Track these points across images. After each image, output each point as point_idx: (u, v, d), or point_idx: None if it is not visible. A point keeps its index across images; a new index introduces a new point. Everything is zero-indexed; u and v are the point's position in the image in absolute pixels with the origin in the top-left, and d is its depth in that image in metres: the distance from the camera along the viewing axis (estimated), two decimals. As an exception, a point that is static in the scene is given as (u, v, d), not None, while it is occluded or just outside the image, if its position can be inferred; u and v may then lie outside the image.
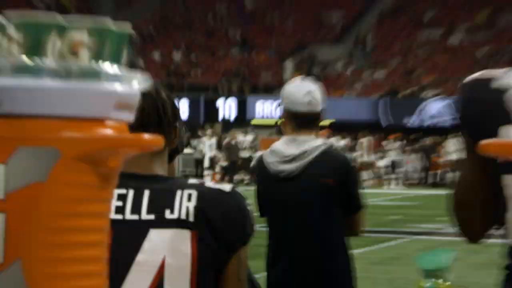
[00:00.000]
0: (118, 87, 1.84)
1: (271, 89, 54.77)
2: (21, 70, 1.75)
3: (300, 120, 5.75)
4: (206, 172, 44.39)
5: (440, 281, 2.16)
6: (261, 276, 12.67)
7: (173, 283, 2.82)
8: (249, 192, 6.60)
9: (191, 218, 2.85)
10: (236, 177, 44.11)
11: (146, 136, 1.84)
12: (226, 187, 2.97)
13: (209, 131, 46.41)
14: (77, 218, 1.80)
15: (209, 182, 2.96)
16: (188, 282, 2.82)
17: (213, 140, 44.87)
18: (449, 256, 2.18)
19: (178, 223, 2.84)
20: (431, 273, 2.16)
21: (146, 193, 2.90)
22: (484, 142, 1.74)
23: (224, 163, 43.82)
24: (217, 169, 44.83)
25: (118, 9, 51.68)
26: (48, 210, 1.75)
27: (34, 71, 1.75)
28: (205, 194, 2.89)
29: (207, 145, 44.86)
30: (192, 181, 2.97)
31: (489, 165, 3.29)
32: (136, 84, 1.90)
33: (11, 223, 1.73)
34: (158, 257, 2.82)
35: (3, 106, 1.72)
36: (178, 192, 2.89)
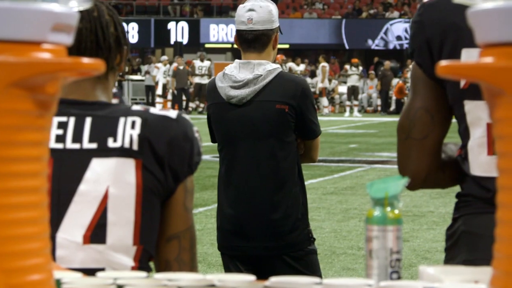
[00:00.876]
0: (55, 7, 1.81)
1: (226, 11, 54.56)
2: None
3: (243, 40, 5.68)
4: (158, 100, 44.22)
5: (388, 209, 2.16)
6: (213, 207, 12.75)
7: (117, 213, 2.81)
8: (203, 120, 6.57)
9: (135, 147, 2.83)
10: (191, 104, 44.05)
11: (86, 60, 1.82)
12: (172, 113, 2.93)
13: (164, 57, 46.15)
14: (14, 147, 1.79)
15: (154, 109, 2.92)
16: (133, 212, 2.82)
17: (168, 66, 44.57)
18: (399, 183, 2.18)
19: (122, 152, 2.83)
20: (379, 202, 2.16)
21: (88, 120, 2.86)
22: (443, 63, 1.72)
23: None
24: (169, 96, 44.65)
25: None
26: (-18, 139, 1.74)
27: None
28: (149, 121, 2.86)
29: (161, 71, 44.60)
30: (136, 107, 2.93)
31: (446, 94, 3.30)
32: (74, 4, 1.87)
33: None
34: (101, 187, 2.81)
35: None
36: (122, 120, 2.86)
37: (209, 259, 10.13)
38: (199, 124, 3.14)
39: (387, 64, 45.65)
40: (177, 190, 2.90)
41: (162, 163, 2.85)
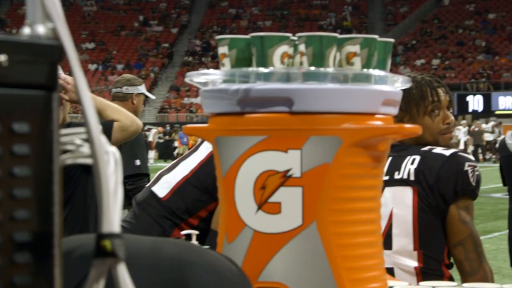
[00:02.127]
0: (385, 88, 1.84)
1: (511, 87, 52.90)
2: (309, 77, 1.78)
3: None
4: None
5: None
6: (504, 232, 12.25)
7: (399, 227, 2.86)
8: (495, 168, 6.45)
9: (412, 177, 2.88)
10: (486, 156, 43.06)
11: (408, 125, 1.84)
12: (447, 152, 2.93)
13: (463, 121, 45.63)
14: (356, 190, 1.82)
15: (436, 148, 2.94)
16: (411, 226, 2.86)
17: (467, 128, 44.13)
18: None
19: (403, 182, 2.88)
20: None
21: (389, 159, 2.93)
22: None
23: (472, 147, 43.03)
24: (469, 150, 43.94)
25: (388, 26, 51.54)
26: (334, 184, 1.77)
27: (319, 78, 1.78)
28: (426, 158, 2.89)
29: (461, 132, 44.22)
30: (424, 148, 2.96)
31: None
32: (399, 85, 1.89)
33: (306, 195, 1.77)
34: (388, 208, 2.87)
35: (296, 105, 1.75)
36: (407, 158, 2.92)
37: (502, 272, 9.79)
38: (490, 171, 3.07)
39: None
40: (450, 209, 2.89)
41: (432, 190, 2.85)
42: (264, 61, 1.80)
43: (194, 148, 3.12)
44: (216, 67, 2.00)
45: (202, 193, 2.97)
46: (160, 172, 3.16)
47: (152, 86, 43.37)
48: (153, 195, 3.06)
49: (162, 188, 3.04)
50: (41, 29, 0.96)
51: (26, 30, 0.97)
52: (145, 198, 3.06)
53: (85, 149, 1.01)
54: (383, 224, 2.86)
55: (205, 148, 3.04)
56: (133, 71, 42.76)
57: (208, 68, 40.12)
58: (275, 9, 50.62)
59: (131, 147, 5.56)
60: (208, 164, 2.95)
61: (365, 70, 1.85)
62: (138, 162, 5.68)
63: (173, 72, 46.57)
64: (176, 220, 2.98)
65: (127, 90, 5.61)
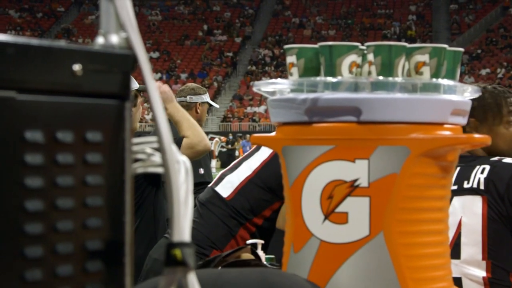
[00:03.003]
0: (453, 97, 1.81)
1: None
2: (377, 86, 1.77)
3: None
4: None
5: None
6: None
7: (468, 236, 2.82)
8: None
9: (482, 187, 2.84)
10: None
11: (477, 135, 1.81)
12: None
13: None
14: (424, 200, 1.80)
15: (507, 159, 2.91)
16: (480, 235, 2.81)
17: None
18: None
19: (472, 191, 2.84)
20: None
21: (457, 169, 2.89)
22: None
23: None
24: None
25: (452, 35, 51.04)
26: (401, 194, 1.76)
27: (387, 87, 1.76)
28: (496, 168, 2.85)
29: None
30: (494, 158, 2.92)
31: None
32: (468, 94, 1.86)
33: (373, 205, 1.75)
34: (456, 217, 2.83)
35: (364, 114, 1.74)
36: (476, 167, 2.88)
37: None
38: None
39: None
40: None
41: (503, 199, 2.81)
42: (333, 71, 1.79)
43: (256, 148, 3.12)
44: (280, 76, 1.99)
45: (266, 192, 2.97)
46: (223, 172, 3.17)
47: (215, 95, 43.59)
48: (216, 194, 3.07)
49: (225, 188, 3.06)
50: (114, 39, 0.97)
51: (99, 40, 0.98)
52: (208, 198, 3.08)
53: (156, 158, 1.01)
54: (451, 233, 2.83)
55: (268, 148, 3.05)
56: (197, 80, 43.05)
57: (271, 77, 40.21)
58: (339, 18, 50.51)
59: None
60: (271, 163, 2.96)
61: (434, 79, 1.83)
62: (202, 171, 5.71)
63: (236, 81, 46.78)
64: (241, 219, 2.99)
65: (191, 99, 5.64)
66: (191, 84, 5.89)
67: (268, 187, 2.99)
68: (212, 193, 3.09)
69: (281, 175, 2.92)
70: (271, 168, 2.97)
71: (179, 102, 5.76)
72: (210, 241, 2.99)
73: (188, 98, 5.69)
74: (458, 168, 2.89)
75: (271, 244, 2.96)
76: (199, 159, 5.75)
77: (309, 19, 50.45)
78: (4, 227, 0.84)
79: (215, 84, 45.52)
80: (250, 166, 3.05)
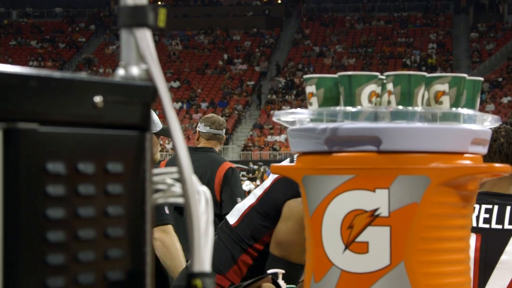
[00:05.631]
0: (473, 127, 1.81)
1: None
2: (397, 116, 1.77)
3: None
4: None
5: None
6: None
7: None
8: None
9: None
10: None
11: (497, 165, 1.81)
12: None
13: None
14: (444, 230, 1.79)
15: None
16: None
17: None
18: None
19: None
20: None
21: (508, 208, 2.88)
22: None
23: None
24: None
25: (473, 63, 50.96)
26: (422, 224, 1.75)
27: (407, 116, 1.77)
28: None
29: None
30: None
31: None
32: (488, 124, 1.86)
33: (394, 234, 1.75)
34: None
35: (384, 144, 1.74)
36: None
37: None
38: None
39: None
40: None
41: None
42: (352, 100, 1.80)
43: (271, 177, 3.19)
44: (300, 104, 2.00)
45: (265, 218, 3.04)
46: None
47: (235, 124, 43.68)
48: (226, 222, 3.17)
49: (233, 216, 3.14)
50: (135, 70, 0.98)
51: (120, 72, 0.99)
52: (221, 225, 3.17)
53: (177, 188, 1.02)
54: (511, 273, 2.84)
55: (272, 176, 3.11)
56: (217, 109, 43.17)
57: (291, 106, 40.19)
58: (359, 46, 50.57)
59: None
60: (271, 190, 3.03)
61: (454, 109, 1.83)
62: (239, 200, 5.75)
63: (256, 110, 46.87)
64: (243, 245, 3.06)
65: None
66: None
67: (266, 214, 3.05)
68: (224, 220, 3.18)
69: (279, 202, 2.97)
70: (270, 195, 3.04)
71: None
72: (214, 266, 3.04)
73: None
74: (509, 208, 2.90)
75: (266, 268, 3.00)
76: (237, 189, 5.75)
77: (329, 48, 50.53)
78: (27, 258, 0.84)
79: (236, 113, 45.62)
80: (255, 194, 3.13)
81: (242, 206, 3.15)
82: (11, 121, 0.85)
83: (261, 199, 3.10)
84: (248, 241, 3.08)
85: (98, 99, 0.91)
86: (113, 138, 0.94)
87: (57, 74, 0.90)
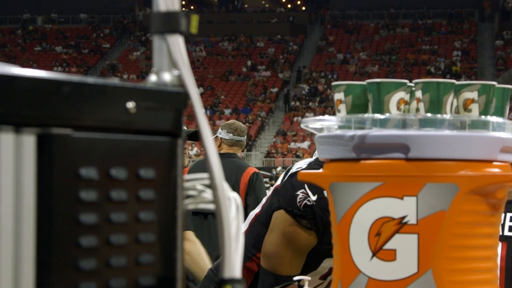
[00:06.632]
0: (503, 135, 1.80)
1: None
2: (426, 123, 1.76)
3: None
4: None
5: None
6: None
7: None
8: None
9: None
10: None
11: (527, 173, 1.80)
12: None
13: None
14: (472, 238, 1.78)
15: None
16: None
17: None
18: None
19: None
20: None
21: None
22: None
23: None
24: None
25: (498, 71, 50.69)
26: (450, 232, 1.75)
27: (436, 124, 1.76)
28: None
29: None
30: None
31: None
32: (517, 131, 1.85)
33: (422, 242, 1.74)
34: None
35: (412, 151, 1.74)
36: None
37: None
38: None
39: None
40: None
41: None
42: (381, 108, 1.79)
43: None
44: (323, 112, 2.00)
45: (264, 228, 3.02)
46: None
47: (259, 131, 43.70)
48: None
49: (245, 225, 3.12)
50: (167, 77, 0.99)
51: (152, 78, 0.99)
52: None
53: (207, 194, 1.02)
54: None
55: (277, 183, 3.10)
56: (240, 115, 43.22)
57: (315, 113, 40.15)
58: (383, 54, 50.44)
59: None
60: (269, 200, 3.01)
61: (483, 117, 1.82)
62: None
63: (280, 117, 46.87)
64: (248, 253, 3.05)
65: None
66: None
67: (265, 223, 3.04)
68: None
69: (270, 212, 2.94)
70: (268, 205, 3.02)
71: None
72: None
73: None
74: None
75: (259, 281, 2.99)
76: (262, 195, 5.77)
77: (353, 55, 50.45)
78: (59, 262, 0.85)
79: (259, 119, 45.63)
80: (261, 203, 3.11)
81: (252, 214, 3.14)
82: (45, 126, 0.86)
83: (262, 209, 3.09)
84: (251, 249, 3.06)
85: (130, 104, 0.92)
86: (145, 144, 0.94)
87: (90, 79, 0.90)
